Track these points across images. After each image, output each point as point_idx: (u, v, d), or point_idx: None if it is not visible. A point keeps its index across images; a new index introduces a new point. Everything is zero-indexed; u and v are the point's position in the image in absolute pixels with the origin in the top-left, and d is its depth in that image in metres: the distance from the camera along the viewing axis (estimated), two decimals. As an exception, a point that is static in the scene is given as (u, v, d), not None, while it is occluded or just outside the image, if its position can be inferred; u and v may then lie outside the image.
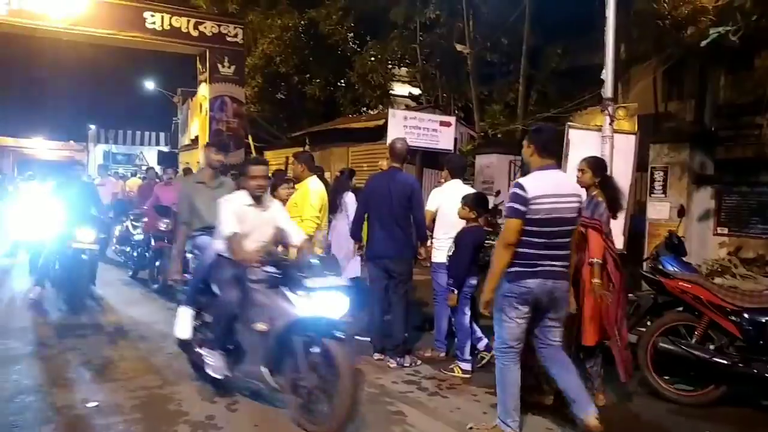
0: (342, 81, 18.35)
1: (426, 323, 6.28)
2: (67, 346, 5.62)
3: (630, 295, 4.97)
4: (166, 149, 32.33)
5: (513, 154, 10.33)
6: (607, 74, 5.98)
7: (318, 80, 18.29)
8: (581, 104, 11.00)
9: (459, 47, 13.26)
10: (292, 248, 4.53)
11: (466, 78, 13.90)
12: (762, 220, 6.86)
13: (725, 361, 4.35)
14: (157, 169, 16.46)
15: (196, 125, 19.10)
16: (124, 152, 38.80)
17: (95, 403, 4.24)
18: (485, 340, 5.19)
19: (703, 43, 6.09)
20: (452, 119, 10.89)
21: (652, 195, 7.54)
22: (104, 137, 39.13)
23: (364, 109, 17.81)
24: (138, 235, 9.15)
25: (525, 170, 3.99)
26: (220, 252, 4.27)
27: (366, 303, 5.63)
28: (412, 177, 6.53)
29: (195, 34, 15.04)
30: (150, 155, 32.59)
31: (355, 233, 5.64)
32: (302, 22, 17.58)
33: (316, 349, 3.71)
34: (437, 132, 10.25)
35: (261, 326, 3.88)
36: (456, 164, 5.90)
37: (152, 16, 14.36)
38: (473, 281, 5.06)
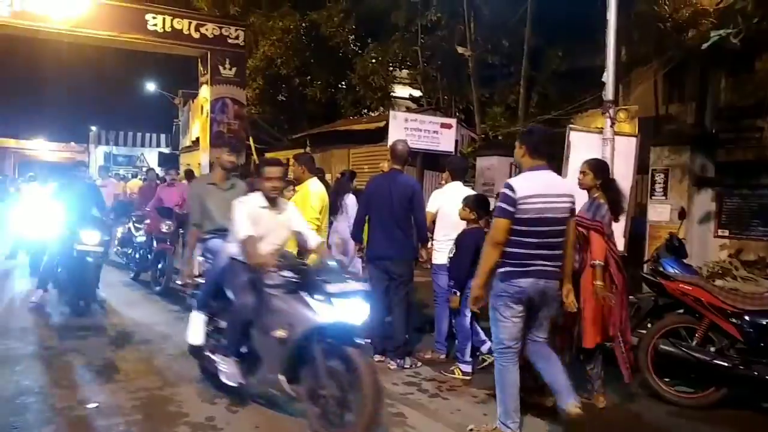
0: (343, 83, 18.37)
1: (426, 325, 6.28)
2: (67, 347, 5.62)
3: (630, 297, 4.97)
4: (167, 151, 32.37)
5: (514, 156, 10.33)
6: (608, 76, 5.98)
7: (319, 82, 18.31)
8: (582, 106, 11.02)
9: (460, 49, 13.27)
10: (309, 252, 4.40)
11: (467, 80, 13.91)
12: (763, 223, 6.86)
13: (726, 364, 4.34)
14: (158, 170, 16.46)
15: (197, 127, 19.11)
16: (125, 154, 38.85)
17: (95, 404, 4.24)
18: (488, 343, 5.17)
19: (704, 45, 6.09)
20: (453, 121, 10.90)
21: (653, 197, 7.54)
22: (105, 139, 39.18)
23: (365, 111, 17.81)
24: (140, 237, 9.11)
25: (519, 171, 4.01)
26: (233, 255, 4.16)
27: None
28: (413, 179, 6.54)
29: (196, 36, 15.06)
30: (151, 157, 32.64)
31: (356, 235, 5.64)
32: (303, 24, 17.60)
33: (336, 357, 3.58)
34: (438, 134, 10.25)
35: (280, 333, 3.72)
36: (457, 166, 5.91)
37: (154, 18, 14.38)
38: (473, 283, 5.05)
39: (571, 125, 6.95)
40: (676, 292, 4.72)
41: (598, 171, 4.44)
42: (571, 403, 3.71)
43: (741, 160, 7.61)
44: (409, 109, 15.03)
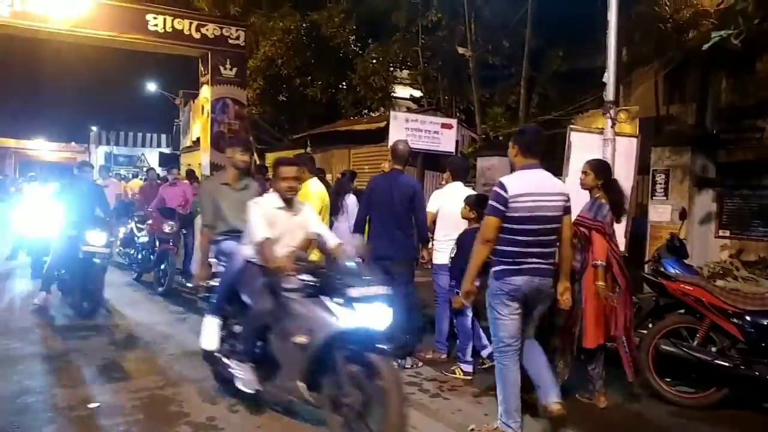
0: (344, 83, 18.36)
1: (427, 325, 6.28)
2: (69, 347, 5.63)
3: (632, 297, 4.97)
4: (167, 151, 32.40)
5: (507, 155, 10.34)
6: (609, 77, 5.99)
7: (319, 82, 18.30)
8: (583, 107, 11.01)
9: (460, 50, 13.27)
10: (329, 253, 4.23)
11: (468, 80, 13.91)
12: (763, 223, 6.86)
13: (727, 364, 4.35)
14: (158, 170, 16.46)
15: (198, 127, 19.11)
16: (125, 154, 38.90)
17: (97, 404, 4.24)
18: (489, 348, 5.17)
19: (705, 46, 6.09)
20: (454, 121, 10.89)
21: (654, 198, 7.54)
22: (106, 139, 39.24)
23: (366, 111, 17.80)
24: (142, 237, 9.06)
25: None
26: (249, 258, 4.06)
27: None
28: (414, 179, 6.54)
29: (197, 36, 15.04)
30: (152, 157, 32.64)
31: (357, 235, 5.63)
32: (304, 25, 17.58)
33: (358, 364, 3.46)
34: (439, 134, 10.25)
35: (301, 339, 3.59)
36: (458, 166, 5.91)
37: (154, 18, 14.37)
38: (476, 283, 5.05)
39: (571, 126, 6.96)
40: (677, 293, 4.72)
41: (600, 171, 4.45)
42: (553, 401, 3.74)
43: (742, 161, 7.60)
44: (409, 110, 15.03)
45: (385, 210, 5.28)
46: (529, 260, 3.67)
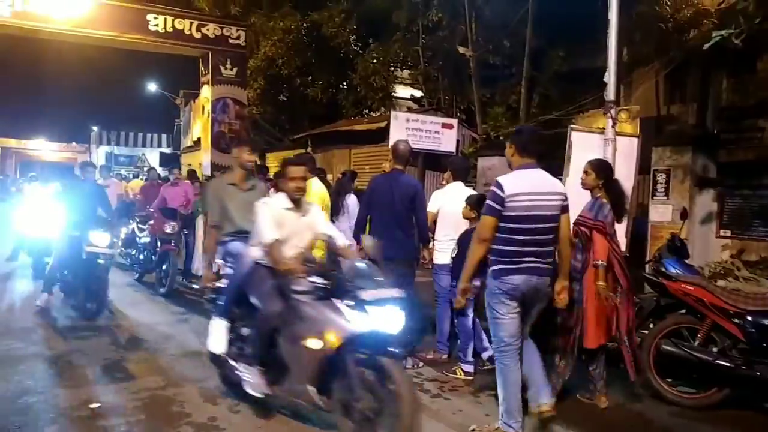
0: (344, 83, 18.36)
1: (428, 325, 6.28)
2: (70, 348, 5.63)
3: (634, 297, 4.97)
4: (168, 151, 32.41)
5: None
6: (610, 77, 5.98)
7: (320, 82, 18.30)
8: (583, 107, 11.00)
9: (461, 50, 13.27)
10: (339, 254, 4.16)
11: (468, 80, 13.90)
12: (764, 223, 6.85)
13: (728, 364, 4.34)
14: (159, 170, 16.46)
15: (199, 127, 19.10)
16: (126, 154, 38.93)
17: (98, 405, 4.25)
18: (490, 351, 5.17)
19: (706, 46, 6.08)
20: (454, 121, 10.88)
21: (655, 198, 7.53)
22: (106, 139, 39.28)
23: (366, 111, 17.80)
24: (144, 238, 9.03)
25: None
26: (257, 259, 4.00)
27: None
28: (415, 179, 6.54)
29: (197, 36, 15.02)
30: (152, 157, 32.68)
31: (357, 235, 5.64)
32: (305, 25, 17.58)
33: (370, 368, 3.41)
34: (439, 134, 10.24)
35: (314, 343, 3.51)
36: (459, 166, 5.90)
37: (155, 18, 14.34)
38: (477, 282, 5.05)
39: (572, 125, 6.95)
40: (678, 293, 4.72)
41: (601, 171, 4.45)
42: (543, 402, 3.80)
43: (743, 161, 7.59)
44: (410, 110, 15.03)
45: (385, 210, 5.28)
46: (527, 259, 3.69)
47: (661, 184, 7.47)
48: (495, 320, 3.79)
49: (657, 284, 5.03)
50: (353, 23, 16.83)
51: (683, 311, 4.79)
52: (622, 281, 4.33)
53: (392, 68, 16.41)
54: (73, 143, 40.14)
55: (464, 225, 5.14)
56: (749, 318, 4.33)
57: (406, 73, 17.04)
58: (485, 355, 5.21)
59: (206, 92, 15.97)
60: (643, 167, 7.10)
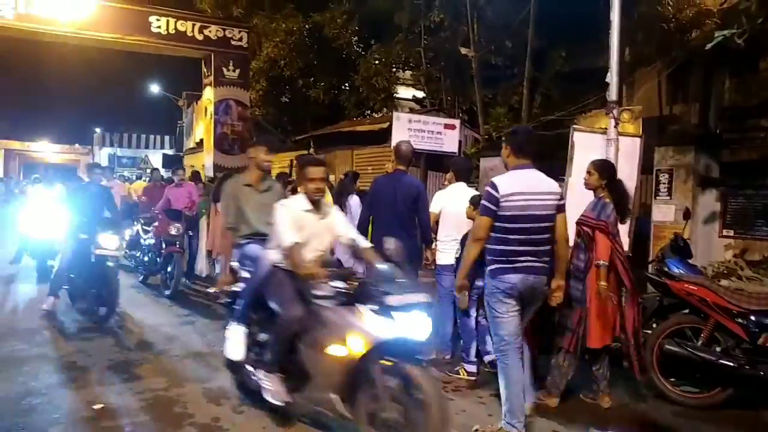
0: (346, 84, 18.39)
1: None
2: (74, 349, 5.65)
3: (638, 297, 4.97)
4: (171, 152, 32.47)
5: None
6: (612, 77, 5.98)
7: (322, 83, 18.33)
8: (586, 107, 11.00)
9: (463, 50, 13.28)
10: (361, 257, 4.05)
11: (471, 81, 13.91)
12: (768, 223, 6.84)
13: (731, 364, 4.34)
14: (162, 171, 16.48)
15: (201, 128, 19.18)
16: (129, 155, 38.99)
17: (101, 405, 4.25)
18: (492, 355, 5.16)
19: (708, 45, 6.08)
20: (456, 122, 10.90)
21: (658, 197, 7.52)
22: (109, 140, 39.33)
23: (369, 112, 17.83)
24: (149, 240, 9.01)
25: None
26: (276, 263, 3.87)
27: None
28: (418, 179, 6.54)
29: (200, 38, 15.09)
30: (155, 158, 32.73)
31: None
32: (307, 26, 17.62)
33: (397, 376, 3.27)
34: (441, 135, 10.25)
35: (337, 350, 3.38)
36: (461, 167, 5.90)
37: (157, 20, 14.42)
38: (480, 283, 5.05)
39: (574, 126, 6.94)
40: (681, 292, 4.71)
41: (604, 171, 4.45)
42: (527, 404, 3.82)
43: (746, 160, 7.57)
44: (412, 110, 15.05)
45: (388, 210, 5.28)
46: (523, 258, 3.73)
47: (664, 184, 7.45)
48: (495, 319, 3.82)
49: (660, 284, 5.02)
50: (355, 24, 16.86)
51: (686, 311, 4.79)
52: (626, 281, 4.34)
53: (394, 69, 16.43)
54: (76, 145, 40.25)
55: (467, 225, 5.13)
56: (752, 318, 4.32)
57: (408, 73, 17.06)
58: (487, 359, 5.20)
59: (209, 94, 16.04)
60: (646, 167, 7.09)
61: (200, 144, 19.63)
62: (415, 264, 5.45)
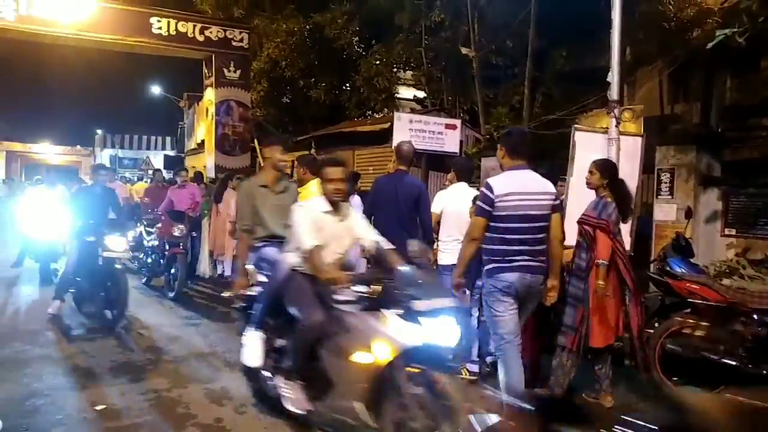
0: (347, 85, 18.40)
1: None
2: (77, 350, 5.66)
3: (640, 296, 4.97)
4: (172, 153, 32.49)
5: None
6: (613, 76, 5.98)
7: (323, 84, 18.33)
8: (587, 107, 10.99)
9: (464, 50, 13.27)
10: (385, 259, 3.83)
11: (471, 81, 13.90)
12: (770, 221, 6.84)
13: (734, 363, 4.33)
14: (164, 172, 16.46)
15: (203, 129, 19.18)
16: (130, 156, 39.04)
17: (104, 406, 4.26)
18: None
19: (710, 45, 6.07)
20: (457, 122, 10.90)
21: (659, 197, 7.52)
22: (111, 142, 39.41)
23: (370, 112, 17.83)
24: (152, 241, 8.98)
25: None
26: (295, 266, 3.75)
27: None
28: (419, 179, 6.54)
29: (201, 39, 15.12)
30: (156, 159, 32.76)
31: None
32: (307, 27, 17.63)
33: (424, 384, 3.15)
34: (443, 135, 10.25)
35: (362, 357, 3.25)
36: (463, 167, 5.90)
37: (158, 21, 14.44)
38: (480, 282, 5.05)
39: (576, 125, 6.94)
40: (683, 292, 4.71)
41: (605, 170, 4.46)
42: None
43: (747, 159, 7.56)
44: (413, 110, 15.05)
45: (389, 211, 5.28)
46: (519, 258, 3.77)
47: (666, 183, 7.45)
48: (494, 318, 3.84)
49: (662, 283, 5.02)
50: (356, 25, 16.86)
51: (688, 310, 4.78)
52: (627, 280, 4.34)
53: (395, 69, 16.44)
54: (78, 146, 40.30)
55: (467, 225, 5.13)
56: (755, 317, 4.32)
57: (409, 74, 17.06)
58: (489, 359, 5.20)
59: (210, 95, 16.07)
60: (647, 166, 7.09)
61: (201, 145, 19.64)
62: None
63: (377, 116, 16.73)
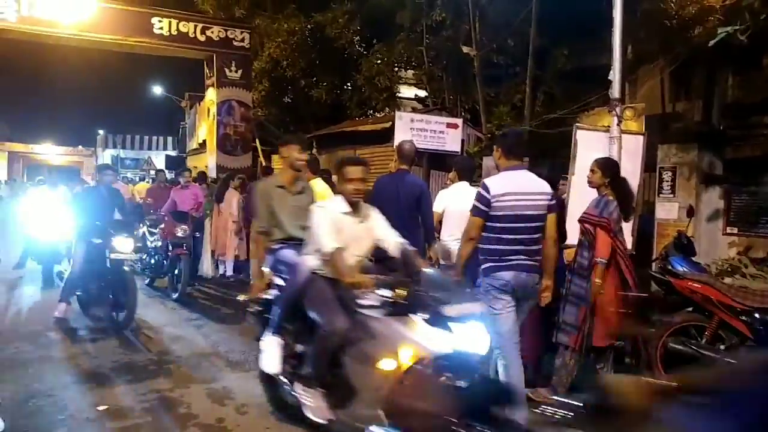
0: (348, 84, 18.39)
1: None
2: (78, 351, 5.66)
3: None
4: (173, 153, 32.53)
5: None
6: (615, 75, 5.97)
7: (324, 83, 18.34)
8: (588, 105, 10.98)
9: (465, 49, 13.27)
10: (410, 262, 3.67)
11: (473, 80, 13.90)
12: (772, 220, 6.83)
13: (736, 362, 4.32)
14: (166, 173, 16.47)
15: (204, 129, 19.21)
16: (132, 157, 39.13)
17: (106, 407, 4.27)
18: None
19: (711, 42, 6.06)
20: (459, 121, 10.90)
21: (661, 195, 7.51)
22: (112, 142, 39.49)
23: (371, 111, 17.83)
24: (155, 242, 8.96)
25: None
26: (315, 269, 3.63)
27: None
28: (421, 178, 6.53)
29: (202, 39, 15.13)
30: (158, 160, 32.81)
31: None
32: (309, 26, 17.62)
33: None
34: (444, 134, 10.25)
35: (388, 364, 3.09)
36: (464, 166, 5.89)
37: (160, 21, 14.46)
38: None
39: (577, 124, 6.93)
40: (685, 290, 4.70)
41: (607, 169, 4.45)
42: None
43: (749, 157, 7.55)
44: (414, 110, 15.04)
45: (391, 210, 5.22)
46: (515, 257, 3.79)
47: (667, 181, 7.45)
48: (492, 317, 3.83)
49: (664, 282, 5.01)
50: (357, 24, 16.86)
51: (690, 309, 4.78)
52: (629, 279, 4.33)
53: (396, 68, 16.44)
54: (80, 147, 40.36)
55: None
56: (757, 315, 4.31)
57: (410, 73, 17.06)
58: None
59: (211, 95, 16.09)
60: (649, 165, 7.08)
61: (203, 145, 19.66)
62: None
63: (378, 115, 16.72)
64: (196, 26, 15.00)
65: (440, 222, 5.51)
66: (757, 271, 5.70)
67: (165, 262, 8.56)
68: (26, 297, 8.22)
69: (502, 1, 12.64)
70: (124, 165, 37.06)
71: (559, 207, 4.53)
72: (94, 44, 14.88)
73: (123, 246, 6.35)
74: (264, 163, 16.78)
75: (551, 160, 8.13)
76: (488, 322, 3.78)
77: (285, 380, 3.84)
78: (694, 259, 5.25)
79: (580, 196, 5.24)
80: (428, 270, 3.41)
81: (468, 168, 5.98)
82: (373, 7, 16.01)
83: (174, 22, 14.64)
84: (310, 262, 3.67)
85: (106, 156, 38.01)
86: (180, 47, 15.21)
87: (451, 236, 5.37)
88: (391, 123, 11.33)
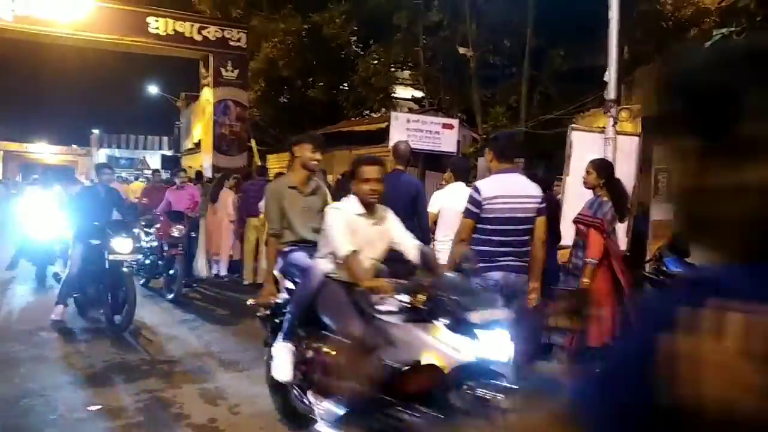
0: (345, 84, 18.40)
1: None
2: (70, 350, 5.63)
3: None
4: (169, 153, 32.45)
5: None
6: (610, 76, 5.97)
7: (321, 84, 18.34)
8: (584, 106, 11.00)
9: (462, 50, 13.29)
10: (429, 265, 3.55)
11: (469, 80, 13.92)
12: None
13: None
14: (162, 173, 16.43)
15: (200, 129, 19.15)
16: (127, 156, 39.04)
17: (98, 407, 4.23)
18: None
19: (707, 44, 6.07)
20: (455, 122, 10.90)
21: (656, 196, 7.51)
22: (107, 141, 39.40)
23: (367, 112, 17.84)
24: (150, 242, 8.92)
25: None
26: (329, 273, 3.50)
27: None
28: (416, 178, 6.52)
29: (198, 38, 15.10)
30: (153, 159, 32.73)
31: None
32: (305, 27, 17.62)
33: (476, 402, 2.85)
34: (440, 134, 10.25)
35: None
36: (460, 166, 5.89)
37: (156, 21, 14.42)
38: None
39: (573, 125, 6.94)
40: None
41: (602, 170, 4.45)
42: None
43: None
44: (410, 110, 15.06)
45: (386, 210, 5.25)
46: (504, 258, 3.83)
47: (663, 182, 7.44)
48: None
49: (658, 283, 5.01)
50: (354, 24, 16.87)
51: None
52: (622, 280, 4.32)
53: (393, 69, 16.46)
54: (74, 146, 40.33)
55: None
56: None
57: (406, 73, 17.08)
58: None
59: (207, 94, 16.05)
60: (645, 166, 7.08)
61: (198, 145, 19.61)
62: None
63: (374, 116, 16.73)
64: (192, 26, 14.97)
65: (435, 222, 5.51)
66: (752, 273, 5.70)
67: (160, 262, 8.51)
68: (19, 297, 8.15)
69: (499, 2, 12.66)
70: (119, 165, 36.85)
71: (554, 208, 4.53)
72: (90, 44, 14.83)
73: (122, 247, 6.22)
74: (259, 163, 16.76)
75: (547, 160, 8.13)
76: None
77: (296, 388, 3.70)
78: (688, 260, 5.24)
79: (575, 197, 5.23)
80: (449, 274, 3.29)
81: (463, 168, 5.98)
82: (370, 8, 16.02)
83: (170, 21, 14.62)
84: (323, 265, 3.54)
85: (100, 155, 37.89)
86: (176, 47, 15.18)
87: (446, 236, 5.35)
88: (386, 123, 11.34)
